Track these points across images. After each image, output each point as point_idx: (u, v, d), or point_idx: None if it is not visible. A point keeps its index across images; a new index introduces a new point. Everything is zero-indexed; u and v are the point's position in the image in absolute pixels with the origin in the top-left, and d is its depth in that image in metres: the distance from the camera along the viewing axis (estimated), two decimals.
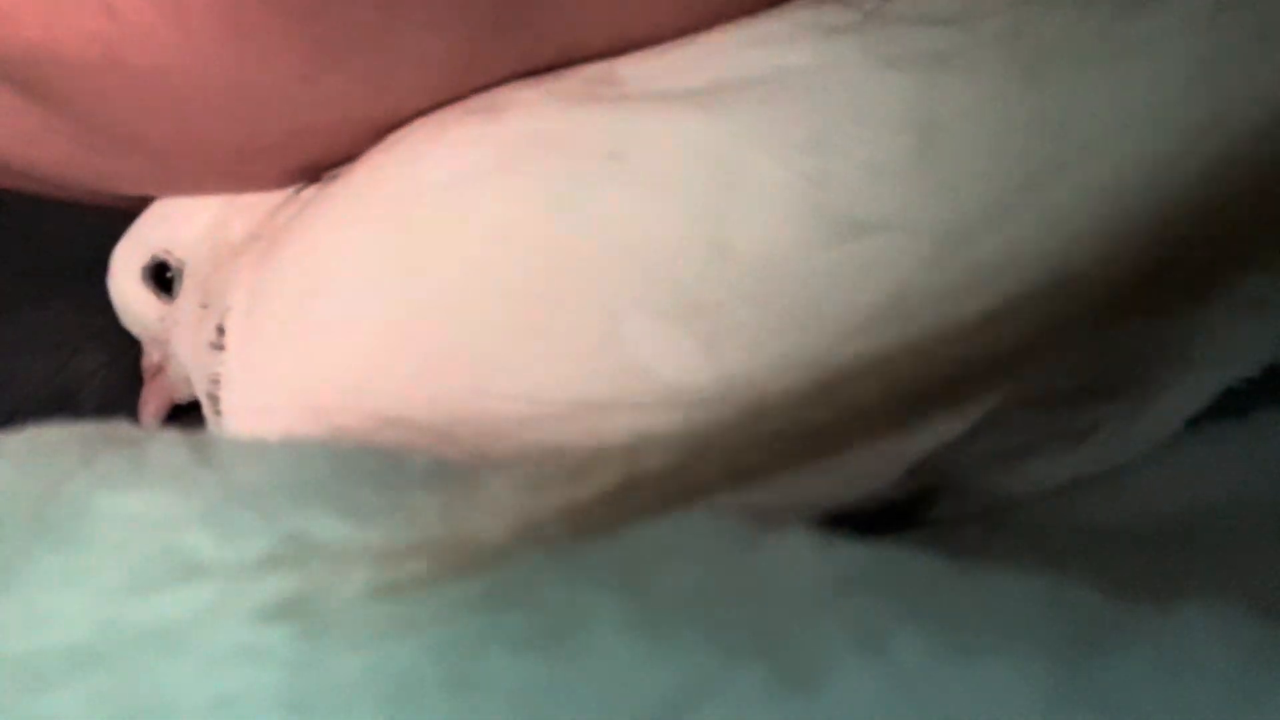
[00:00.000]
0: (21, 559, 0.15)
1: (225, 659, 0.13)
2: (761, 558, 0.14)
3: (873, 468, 0.22)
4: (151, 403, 0.30)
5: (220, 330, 0.26)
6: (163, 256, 0.28)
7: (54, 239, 0.31)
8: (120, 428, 0.18)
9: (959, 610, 0.13)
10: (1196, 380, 0.22)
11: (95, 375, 0.31)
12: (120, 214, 0.29)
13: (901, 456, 0.22)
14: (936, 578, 0.14)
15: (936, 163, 0.20)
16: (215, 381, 0.26)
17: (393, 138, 0.24)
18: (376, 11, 0.21)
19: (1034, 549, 0.23)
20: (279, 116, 0.23)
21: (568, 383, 0.21)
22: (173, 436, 0.17)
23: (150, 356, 0.30)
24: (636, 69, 0.23)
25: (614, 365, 0.21)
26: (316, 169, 0.26)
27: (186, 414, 0.29)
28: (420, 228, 0.23)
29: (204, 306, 0.27)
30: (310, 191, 0.26)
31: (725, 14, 0.23)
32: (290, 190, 0.27)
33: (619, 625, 0.13)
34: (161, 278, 0.29)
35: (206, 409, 0.27)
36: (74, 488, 0.16)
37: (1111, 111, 0.20)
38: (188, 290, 0.28)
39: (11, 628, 0.14)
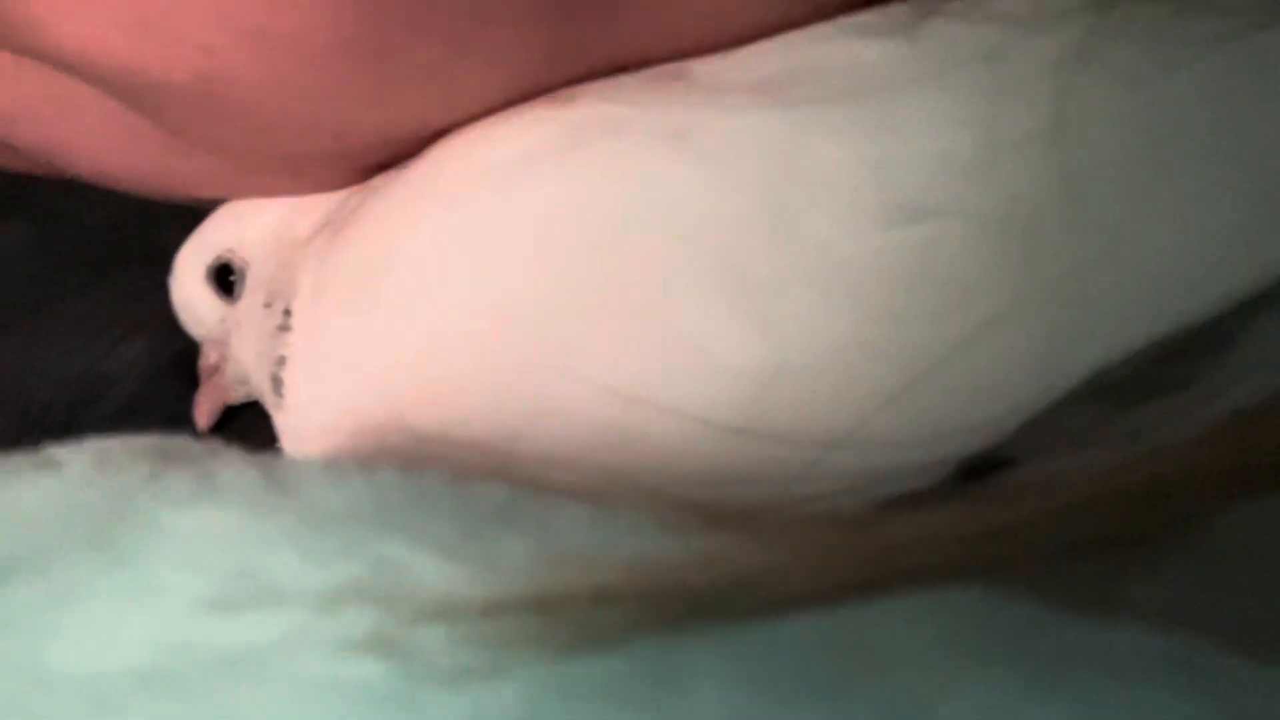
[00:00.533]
0: (85, 575, 0.14)
1: (312, 691, 0.13)
2: (873, 614, 0.13)
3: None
4: (206, 403, 0.30)
5: (287, 313, 0.26)
6: (227, 257, 0.28)
7: (97, 227, 0.31)
8: (185, 444, 0.17)
9: (1096, 683, 0.13)
10: (1244, 380, 0.22)
11: (136, 365, 0.31)
12: (165, 204, 0.29)
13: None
14: (1067, 641, 0.13)
15: (999, 156, 0.21)
16: (280, 363, 0.26)
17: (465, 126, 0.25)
18: (443, 49, 0.22)
19: None
20: (353, 133, 0.24)
21: (622, 360, 0.22)
22: (241, 458, 0.17)
23: (208, 357, 0.30)
24: (705, 64, 0.24)
25: (667, 344, 0.22)
26: (390, 165, 0.26)
27: (238, 417, 0.29)
28: (484, 204, 0.23)
29: (267, 305, 0.27)
30: (380, 179, 0.26)
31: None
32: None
33: (722, 681, 0.12)
34: (224, 280, 0.29)
35: (267, 395, 0.27)
36: (140, 504, 0.15)
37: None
38: (251, 290, 0.28)
39: (76, 646, 0.13)
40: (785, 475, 0.22)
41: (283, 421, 0.26)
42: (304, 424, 0.25)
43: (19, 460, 0.16)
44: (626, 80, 0.24)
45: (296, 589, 0.14)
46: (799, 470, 0.22)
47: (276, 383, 0.26)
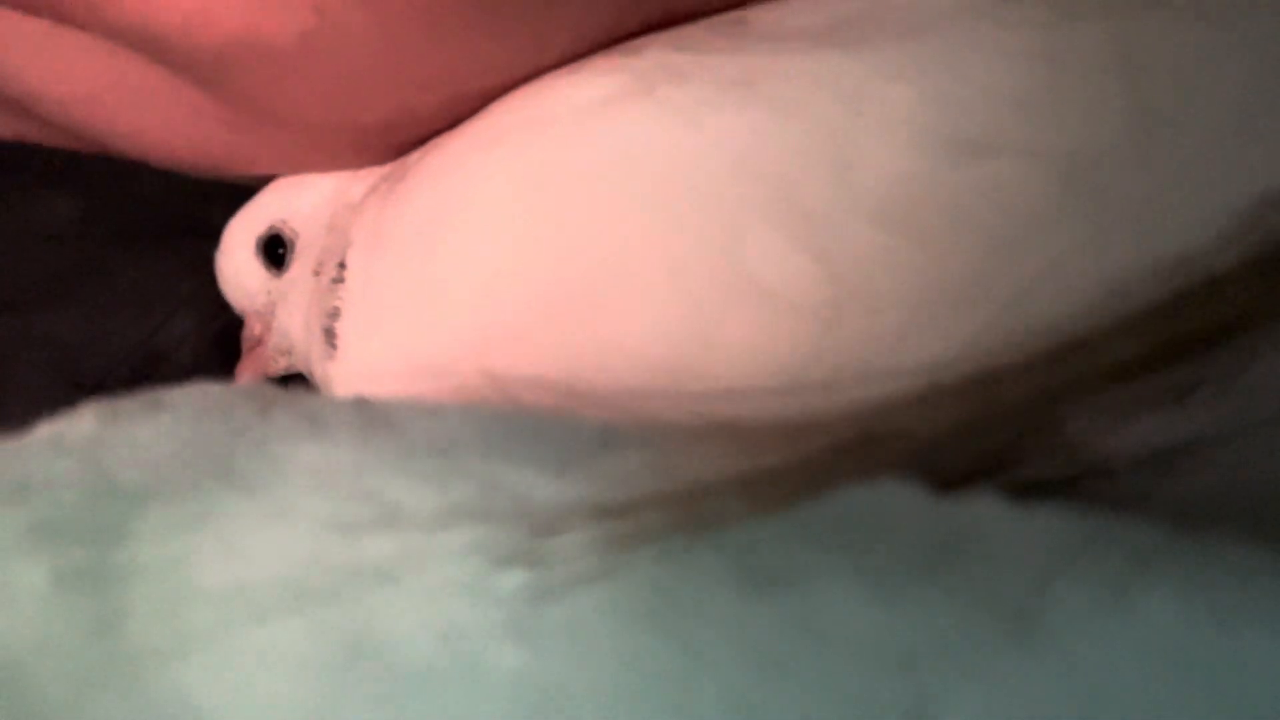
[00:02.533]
0: (215, 502, 0.15)
1: (445, 595, 0.13)
2: (969, 517, 0.14)
3: None
4: (246, 374, 0.30)
5: (341, 265, 0.26)
6: (279, 228, 0.29)
7: (145, 202, 0.31)
8: (276, 389, 0.18)
9: (1208, 576, 0.13)
10: None
11: (187, 339, 0.31)
12: (212, 180, 0.29)
13: None
14: (1172, 542, 0.14)
15: (1067, 93, 0.21)
16: (333, 314, 0.26)
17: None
18: None
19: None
20: (441, 88, 0.25)
21: (686, 297, 0.22)
22: (335, 399, 0.17)
23: (251, 329, 0.30)
24: (765, 13, 0.24)
25: (731, 281, 0.22)
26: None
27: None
28: (552, 150, 0.24)
29: (316, 273, 0.28)
30: (437, 139, 0.26)
31: None
32: None
33: (843, 579, 0.13)
34: (273, 252, 0.29)
35: (317, 353, 0.27)
36: (254, 439, 0.16)
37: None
38: (299, 260, 0.29)
39: (218, 559, 0.14)
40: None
41: (335, 373, 0.26)
42: (357, 371, 0.26)
43: (126, 402, 0.17)
44: (690, 30, 0.24)
45: (415, 508, 0.14)
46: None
47: (329, 335, 0.26)
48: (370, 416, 0.16)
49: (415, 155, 0.27)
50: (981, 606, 0.13)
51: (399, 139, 0.27)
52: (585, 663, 0.13)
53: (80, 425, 0.16)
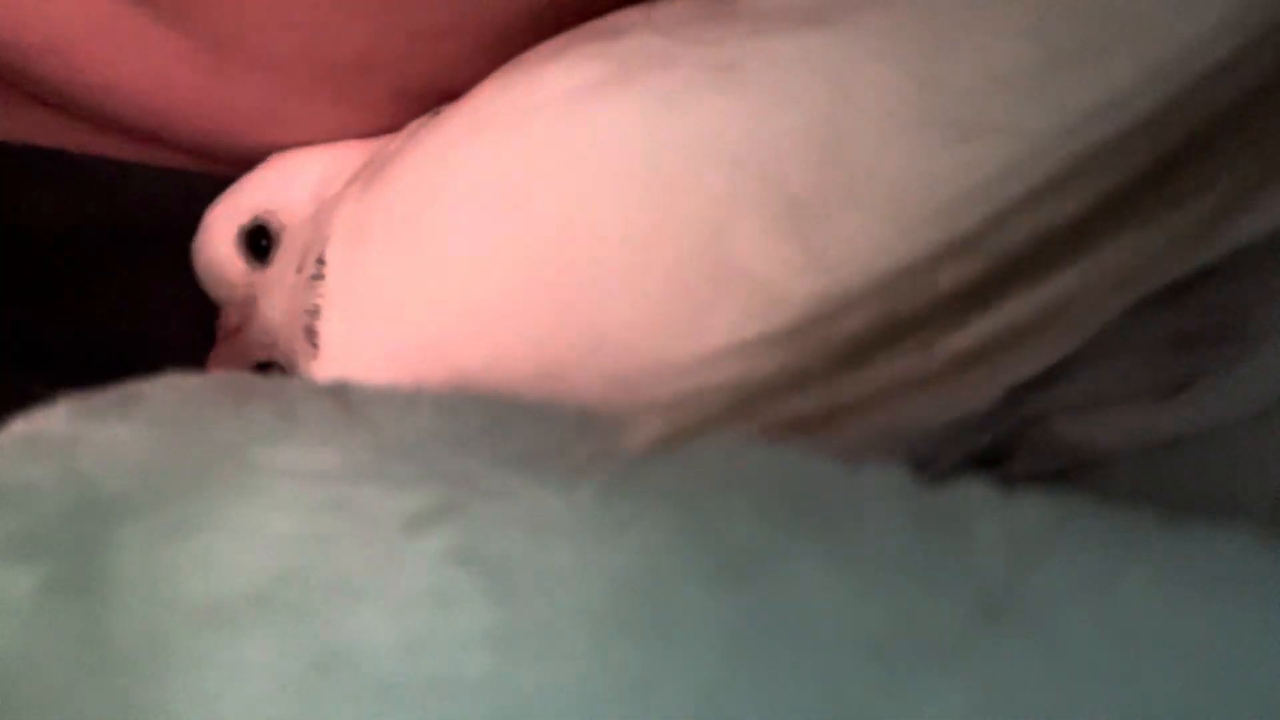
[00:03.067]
0: (193, 513, 0.15)
1: (413, 603, 0.13)
2: (951, 502, 0.14)
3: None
4: (220, 365, 0.29)
5: (320, 261, 0.26)
6: (265, 219, 0.28)
7: (135, 202, 0.31)
8: (254, 378, 0.18)
9: (1186, 555, 0.13)
10: None
11: (175, 342, 0.31)
12: (203, 178, 0.29)
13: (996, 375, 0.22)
14: (1151, 523, 0.14)
15: (1056, 72, 0.21)
16: (313, 313, 0.26)
17: (509, 65, 0.25)
18: None
19: None
20: (405, 18, 0.24)
21: (671, 290, 0.22)
22: (315, 387, 0.17)
23: (229, 318, 0.30)
24: None
25: (718, 272, 0.22)
26: (430, 97, 0.26)
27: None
28: (536, 139, 0.23)
29: (299, 270, 0.27)
30: (418, 123, 0.26)
31: None
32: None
33: (817, 565, 0.13)
34: (257, 244, 0.28)
35: (299, 349, 0.27)
36: (229, 439, 0.16)
37: None
38: (284, 254, 0.28)
39: (194, 574, 0.14)
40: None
41: (318, 372, 0.26)
42: (340, 371, 0.25)
43: (103, 396, 0.17)
44: (673, 10, 0.24)
45: (383, 515, 0.14)
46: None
47: (310, 333, 0.26)
48: (344, 410, 0.16)
49: (395, 144, 0.26)
50: (958, 590, 0.13)
51: (376, 86, 0.26)
52: (555, 665, 0.13)
53: (54, 423, 0.16)
